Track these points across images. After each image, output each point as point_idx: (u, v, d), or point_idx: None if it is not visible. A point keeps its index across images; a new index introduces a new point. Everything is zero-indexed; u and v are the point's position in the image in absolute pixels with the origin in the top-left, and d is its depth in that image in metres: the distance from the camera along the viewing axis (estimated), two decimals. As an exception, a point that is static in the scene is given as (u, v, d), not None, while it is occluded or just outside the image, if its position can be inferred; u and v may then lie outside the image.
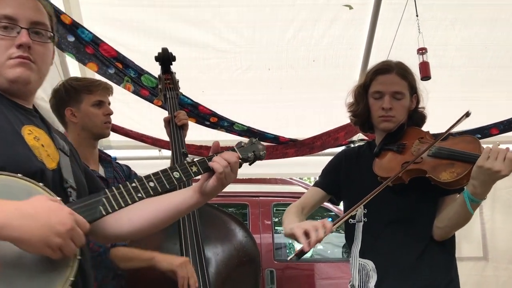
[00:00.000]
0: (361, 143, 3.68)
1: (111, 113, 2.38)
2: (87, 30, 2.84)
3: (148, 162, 3.94)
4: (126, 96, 3.18)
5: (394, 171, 1.95)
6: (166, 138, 2.47)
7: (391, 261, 1.96)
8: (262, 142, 1.64)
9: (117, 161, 2.58)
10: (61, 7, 2.93)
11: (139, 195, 1.34)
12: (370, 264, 2.00)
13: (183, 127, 2.37)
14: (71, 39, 2.80)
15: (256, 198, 5.11)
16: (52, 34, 1.42)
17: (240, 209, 5.21)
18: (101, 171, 2.35)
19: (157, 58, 2.48)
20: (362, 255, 2.04)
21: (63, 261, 1.14)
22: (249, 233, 2.28)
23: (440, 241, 1.98)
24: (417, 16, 3.01)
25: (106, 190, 1.32)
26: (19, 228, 1.06)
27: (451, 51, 3.50)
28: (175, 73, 2.50)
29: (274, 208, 5.13)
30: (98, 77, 2.93)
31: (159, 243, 2.14)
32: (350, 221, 2.10)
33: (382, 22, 3.30)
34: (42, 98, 3.03)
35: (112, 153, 3.33)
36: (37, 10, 1.39)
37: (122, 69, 2.96)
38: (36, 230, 1.06)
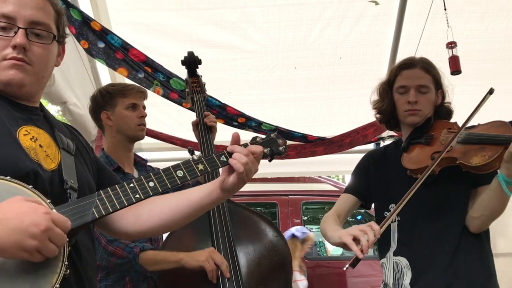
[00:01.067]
0: (390, 140, 3.66)
1: (145, 115, 2.43)
2: (117, 36, 2.90)
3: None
4: (155, 99, 3.24)
5: (423, 163, 1.93)
6: (195, 139, 2.50)
7: (426, 257, 1.94)
8: (282, 137, 1.54)
9: (149, 164, 2.63)
10: (91, 14, 3.00)
11: (137, 196, 1.27)
12: (403, 261, 1.98)
13: (212, 130, 2.39)
14: (101, 45, 2.87)
15: (286, 196, 5.11)
16: (55, 35, 1.34)
17: (269, 208, 5.23)
18: (136, 174, 2.41)
19: (183, 62, 2.51)
20: (395, 252, 2.02)
21: (46, 264, 1.08)
22: (280, 233, 2.29)
23: (476, 233, 1.94)
24: (445, 9, 2.96)
25: (101, 191, 1.25)
26: None
27: (481, 44, 3.43)
28: (201, 76, 2.53)
29: (304, 207, 5.13)
30: (128, 81, 2.99)
31: (191, 245, 2.17)
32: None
33: (409, 17, 3.27)
34: (75, 103, 3.14)
35: (143, 155, 3.39)
36: (38, 9, 1.30)
37: (152, 73, 3.01)
38: (7, 236, 1.00)
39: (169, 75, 3.07)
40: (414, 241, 1.97)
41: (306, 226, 5.04)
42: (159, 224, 1.43)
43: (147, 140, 3.73)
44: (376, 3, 3.23)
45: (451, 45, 2.90)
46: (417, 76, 2.06)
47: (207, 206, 1.44)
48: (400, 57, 3.37)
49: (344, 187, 2.32)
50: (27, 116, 1.32)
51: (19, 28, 1.27)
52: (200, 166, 1.35)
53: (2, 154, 1.17)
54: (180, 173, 1.33)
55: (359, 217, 5.38)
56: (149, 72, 3.01)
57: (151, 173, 1.32)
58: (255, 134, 3.71)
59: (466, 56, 3.01)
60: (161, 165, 2.68)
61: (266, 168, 4.36)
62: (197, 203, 1.41)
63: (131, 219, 1.43)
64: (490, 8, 3.26)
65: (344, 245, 1.80)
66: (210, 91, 3.32)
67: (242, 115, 3.44)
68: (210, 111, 3.33)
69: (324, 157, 3.97)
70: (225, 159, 1.38)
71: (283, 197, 5.09)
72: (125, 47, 2.93)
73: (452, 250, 1.92)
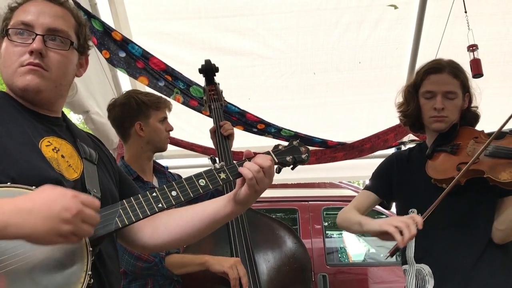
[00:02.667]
0: (412, 145, 3.62)
1: (171, 129, 2.47)
2: (137, 45, 2.94)
3: (199, 170, 4.01)
4: (175, 106, 3.26)
5: (449, 173, 1.89)
6: (215, 146, 2.52)
7: (449, 265, 1.91)
8: (304, 145, 1.52)
9: (169, 170, 2.65)
10: (111, 24, 3.05)
11: (159, 205, 1.26)
12: (426, 269, 1.96)
13: (229, 137, 2.41)
14: (122, 54, 2.91)
15: (306, 202, 5.08)
16: (72, 41, 1.35)
17: (289, 214, 5.21)
18: (155, 182, 2.43)
19: (200, 70, 2.53)
20: (418, 260, 2.00)
21: (71, 273, 1.10)
22: (299, 239, 2.28)
23: (500, 244, 1.91)
24: (465, 12, 2.93)
25: (124, 201, 1.25)
26: (23, 226, 1.01)
27: (503, 46, 3.38)
28: (219, 84, 2.55)
29: (324, 212, 5.09)
30: (148, 90, 3.03)
31: (210, 251, 2.18)
32: None
33: (429, 20, 3.24)
34: (97, 112, 3.18)
35: (163, 162, 3.43)
36: (57, 17, 1.33)
37: (172, 81, 3.05)
38: (40, 224, 1.02)
39: (189, 83, 3.10)
40: (437, 249, 1.95)
41: (326, 232, 5.01)
42: (174, 237, 1.43)
43: (168, 147, 3.77)
44: (395, 7, 3.21)
45: (472, 48, 2.86)
46: (444, 81, 2.01)
47: (222, 220, 1.41)
48: (420, 61, 3.34)
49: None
50: (49, 127, 1.33)
51: (36, 35, 1.29)
52: (222, 175, 1.34)
53: (26, 165, 1.19)
54: (202, 182, 1.31)
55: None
56: (169, 81, 3.04)
57: (173, 182, 1.31)
58: (275, 140, 3.76)
59: (488, 59, 2.97)
60: (182, 172, 2.73)
61: (286, 174, 4.33)
62: (212, 217, 1.40)
63: (148, 231, 1.43)
64: (511, 9, 3.21)
65: (383, 234, 1.77)
66: (230, 98, 3.35)
67: (262, 121, 3.45)
68: (230, 117, 3.35)
69: (344, 163, 3.94)
70: None
71: (303, 203, 5.06)
72: (146, 56, 2.97)
73: (475, 260, 1.89)
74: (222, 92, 2.54)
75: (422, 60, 3.29)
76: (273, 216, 5.08)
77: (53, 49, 1.31)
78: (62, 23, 1.34)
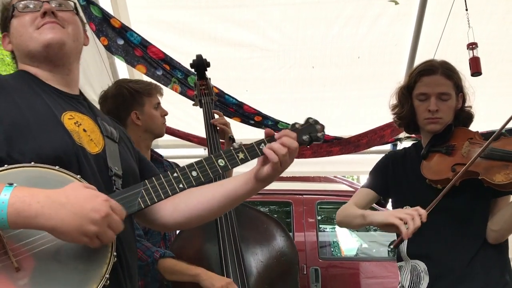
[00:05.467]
0: (408, 141, 3.63)
1: (166, 114, 2.47)
2: (136, 33, 2.92)
3: (193, 160, 4.01)
4: (172, 96, 3.26)
5: (444, 174, 1.91)
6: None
7: (444, 263, 1.93)
8: (319, 122, 1.50)
9: (170, 160, 2.65)
10: (111, 11, 3.03)
11: (181, 185, 1.27)
12: (421, 266, 1.97)
13: (224, 132, 2.41)
14: (121, 42, 2.90)
15: (300, 196, 5.09)
16: (74, 3, 1.42)
17: (283, 207, 5.22)
18: None
19: (192, 65, 2.52)
20: (413, 256, 2.02)
21: (100, 256, 1.11)
22: (287, 233, 2.28)
23: (495, 244, 1.93)
24: (466, 10, 2.92)
25: (146, 181, 1.26)
26: (53, 217, 1.03)
27: (502, 45, 3.38)
28: (210, 78, 2.54)
29: (318, 206, 5.10)
30: (145, 78, 3.01)
31: (199, 244, 2.18)
32: None
33: (429, 17, 3.23)
34: (94, 99, 3.15)
35: (159, 152, 3.42)
36: None
37: (170, 71, 3.03)
38: (70, 219, 1.04)
39: (187, 73, 3.08)
40: (432, 248, 1.96)
41: (320, 225, 5.02)
42: (196, 214, 1.43)
43: (164, 137, 3.75)
44: (396, 3, 3.20)
45: (472, 46, 2.86)
46: (437, 83, 2.01)
47: (243, 196, 1.42)
48: (419, 58, 3.34)
49: (359, 187, 2.31)
50: (70, 103, 1.36)
51: (43, 2, 1.34)
52: (241, 155, 1.34)
53: (47, 136, 1.21)
54: (221, 162, 1.32)
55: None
56: (167, 70, 3.03)
57: (193, 163, 1.31)
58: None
59: (487, 57, 2.97)
60: (178, 162, 2.72)
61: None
62: (233, 193, 1.40)
63: (169, 209, 1.43)
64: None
65: (388, 226, 1.78)
66: (227, 89, 3.34)
67: (259, 113, 3.45)
68: (227, 109, 3.35)
69: (340, 157, 3.95)
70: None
71: (297, 196, 5.07)
72: (144, 44, 2.95)
73: (469, 259, 1.91)
74: (213, 87, 2.54)
75: (421, 57, 3.31)
76: (267, 209, 5.14)
77: (61, 10, 1.36)
78: None
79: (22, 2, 1.35)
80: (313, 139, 1.45)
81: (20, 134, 1.19)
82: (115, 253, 1.14)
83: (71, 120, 1.30)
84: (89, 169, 1.25)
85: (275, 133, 1.37)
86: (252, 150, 1.35)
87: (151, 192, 1.25)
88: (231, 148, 1.35)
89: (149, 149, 2.46)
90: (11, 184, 1.05)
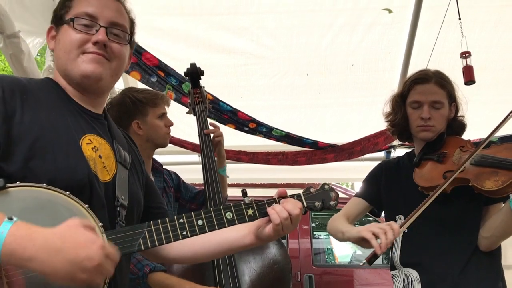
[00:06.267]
0: (401, 149, 3.65)
1: (171, 124, 2.45)
2: (130, 39, 2.92)
3: (188, 167, 4.01)
4: (167, 103, 3.26)
5: (435, 181, 1.92)
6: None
7: (436, 271, 1.93)
8: (335, 189, 1.48)
9: (165, 167, 2.63)
10: (134, 18, 3.02)
11: (184, 233, 1.27)
12: (414, 274, 1.97)
13: (218, 144, 2.43)
14: (115, 48, 2.89)
15: (294, 203, 5.09)
16: (130, 36, 1.42)
17: (278, 213, 5.21)
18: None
19: (186, 73, 2.52)
20: (406, 264, 2.02)
21: None
22: (280, 241, 2.29)
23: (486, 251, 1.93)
24: (459, 18, 2.94)
25: (151, 223, 1.25)
26: (46, 264, 1.02)
27: (495, 54, 3.41)
28: (204, 87, 2.55)
29: (312, 213, 5.10)
30: (140, 85, 3.01)
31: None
32: None
33: (423, 25, 3.25)
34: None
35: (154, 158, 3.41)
36: (118, 12, 1.40)
37: (164, 77, 3.04)
38: (62, 266, 1.02)
39: (181, 80, 3.09)
40: (425, 256, 1.97)
41: (314, 232, 5.02)
42: (188, 255, 1.44)
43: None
44: (390, 11, 3.22)
45: (465, 54, 2.87)
46: (431, 91, 2.04)
47: (238, 249, 1.43)
48: (412, 66, 3.36)
49: (354, 194, 2.32)
50: (91, 124, 1.36)
51: (100, 26, 1.34)
52: (250, 211, 1.33)
53: (64, 162, 1.21)
54: (229, 215, 1.32)
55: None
56: (161, 76, 3.03)
57: (201, 211, 1.31)
58: (265, 140, 3.74)
59: (480, 66, 2.99)
60: (172, 169, 2.72)
61: (275, 174, 4.36)
62: (229, 244, 1.42)
63: (175, 244, 1.41)
64: (504, 17, 3.24)
65: (362, 240, 1.79)
66: (222, 96, 3.34)
67: (253, 120, 3.45)
68: (222, 115, 3.35)
69: (334, 164, 3.96)
70: None
71: (292, 203, 5.08)
72: (139, 51, 2.95)
73: (461, 266, 1.91)
74: (206, 95, 2.55)
75: (415, 65, 3.33)
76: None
77: (114, 41, 1.36)
78: (122, 18, 1.40)
79: (81, 18, 1.34)
80: (325, 207, 1.43)
81: (36, 154, 1.18)
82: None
83: (89, 145, 1.30)
84: (98, 198, 1.25)
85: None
86: (262, 209, 1.34)
87: (154, 235, 1.24)
88: (242, 203, 1.34)
89: (150, 158, 2.44)
90: (10, 219, 1.03)
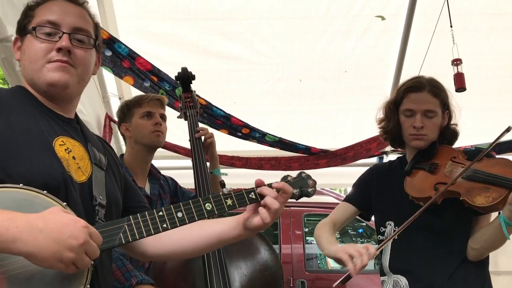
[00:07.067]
0: (394, 155, 3.66)
1: (159, 122, 2.44)
2: (124, 44, 2.92)
3: (181, 172, 3.99)
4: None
5: (426, 192, 1.92)
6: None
7: (425, 279, 1.94)
8: (312, 177, 1.51)
9: (162, 174, 2.62)
10: (99, 22, 3.02)
11: (164, 225, 1.27)
12: (403, 281, 1.98)
13: (208, 144, 2.43)
14: (108, 53, 2.90)
15: (287, 208, 5.09)
16: (95, 40, 1.42)
17: (271, 219, 5.21)
18: (147, 188, 2.41)
19: (177, 78, 2.54)
20: (395, 271, 2.02)
21: (70, 284, 1.10)
22: (271, 247, 2.28)
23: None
24: (451, 26, 2.97)
25: (130, 217, 1.26)
26: (31, 243, 1.02)
27: (486, 61, 3.44)
28: (195, 91, 2.56)
29: (305, 219, 5.11)
30: (134, 90, 3.00)
31: (181, 260, 2.16)
32: (379, 238, 2.09)
33: (415, 33, 3.28)
34: (80, 110, 3.14)
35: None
36: (80, 17, 1.39)
37: (157, 82, 3.04)
38: (47, 246, 1.03)
39: (174, 84, 3.09)
40: (413, 263, 1.97)
41: (307, 238, 5.02)
42: (177, 250, 1.44)
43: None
44: (383, 18, 3.24)
45: (457, 62, 2.90)
46: (424, 100, 2.02)
47: (228, 241, 1.42)
48: (405, 73, 3.39)
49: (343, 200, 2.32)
50: (63, 127, 1.36)
51: (63, 33, 1.34)
52: (229, 201, 1.34)
53: (37, 162, 1.21)
54: (208, 206, 1.32)
55: (360, 230, 5.37)
56: (155, 81, 3.03)
57: (180, 204, 1.31)
58: (259, 145, 3.74)
59: (470, 73, 3.01)
60: (164, 173, 2.71)
61: (268, 179, 4.35)
62: (218, 237, 1.41)
63: (152, 240, 1.42)
64: (496, 26, 3.27)
65: (339, 260, 1.81)
66: (215, 101, 3.35)
67: (246, 126, 3.46)
68: (215, 121, 3.35)
69: (326, 170, 3.97)
70: (254, 197, 1.36)
71: (284, 208, 5.06)
72: (132, 55, 2.95)
73: (450, 274, 1.92)
74: (197, 99, 2.55)
75: (407, 71, 3.35)
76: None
77: (78, 47, 1.36)
78: (85, 23, 1.40)
79: (43, 27, 1.34)
80: (303, 194, 1.46)
81: (10, 157, 1.19)
82: (88, 286, 1.13)
83: (62, 147, 1.30)
84: (74, 198, 1.25)
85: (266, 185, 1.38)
86: (241, 198, 1.35)
87: (134, 228, 1.24)
88: (220, 193, 1.34)
89: (147, 162, 2.45)
90: None
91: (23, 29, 1.38)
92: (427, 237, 1.96)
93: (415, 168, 2.05)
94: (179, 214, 1.29)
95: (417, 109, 2.02)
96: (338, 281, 1.71)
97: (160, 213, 1.28)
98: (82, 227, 1.07)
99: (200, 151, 2.37)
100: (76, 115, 1.47)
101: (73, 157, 1.32)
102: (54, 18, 1.35)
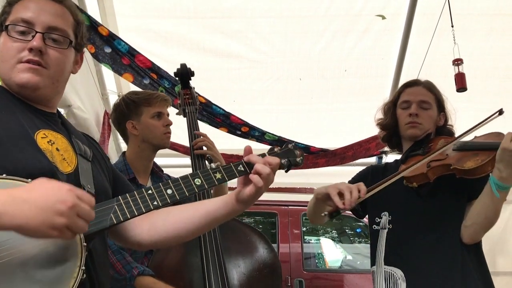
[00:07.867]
0: (391, 155, 3.65)
1: (170, 123, 2.42)
2: (124, 41, 2.92)
3: (180, 170, 3.98)
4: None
5: (419, 170, 1.93)
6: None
7: (421, 269, 1.93)
8: (299, 148, 1.51)
9: (165, 173, 2.61)
10: (98, 19, 3.02)
11: (155, 203, 1.25)
12: (398, 273, 1.97)
13: (209, 149, 2.38)
14: (108, 50, 2.89)
15: (286, 207, 5.09)
16: (74, 39, 1.37)
17: (269, 217, 5.21)
18: (149, 185, 2.39)
19: (176, 74, 2.51)
20: (388, 262, 2.01)
21: (67, 271, 1.08)
22: (270, 245, 2.27)
23: (470, 245, 1.93)
24: (452, 26, 2.97)
25: (120, 197, 1.24)
26: (17, 215, 0.99)
27: (486, 61, 3.44)
28: (194, 88, 2.53)
29: (303, 218, 5.10)
30: (133, 87, 2.99)
31: (181, 255, 2.16)
32: (374, 227, 2.09)
33: (416, 32, 3.29)
34: (79, 107, 3.14)
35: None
36: (57, 16, 1.34)
37: (157, 80, 3.03)
38: (35, 215, 0.99)
39: (174, 82, 3.08)
40: (409, 252, 1.97)
41: (305, 237, 5.02)
42: (173, 234, 1.41)
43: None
44: (383, 18, 3.24)
45: (458, 62, 2.90)
46: (420, 93, 2.13)
47: (223, 217, 1.40)
48: (405, 72, 3.39)
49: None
50: (45, 121, 1.34)
51: (36, 32, 1.30)
52: (218, 175, 1.34)
53: (20, 155, 1.19)
54: (198, 181, 1.31)
55: (358, 230, 5.37)
56: (154, 79, 3.02)
57: (169, 181, 1.30)
58: (258, 144, 3.73)
59: (471, 73, 3.01)
60: (168, 172, 2.70)
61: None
62: (212, 214, 1.39)
63: (145, 227, 1.41)
64: (496, 26, 3.27)
65: (327, 197, 1.80)
66: (215, 99, 3.34)
67: (246, 124, 3.45)
68: (214, 119, 3.34)
69: (325, 169, 3.97)
70: (242, 169, 1.35)
71: (283, 207, 5.06)
72: (132, 53, 2.94)
73: (447, 265, 1.91)
74: (197, 96, 2.53)
75: (407, 71, 3.35)
76: (253, 220, 5.12)
77: (52, 47, 1.32)
78: (62, 22, 1.35)
79: (16, 25, 1.31)
80: (292, 164, 1.46)
81: None
82: (83, 268, 1.10)
83: (44, 139, 1.27)
84: None
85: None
86: (229, 171, 1.35)
87: (124, 207, 1.22)
88: (209, 168, 1.34)
89: (151, 161, 2.42)
90: None
91: (0, 25, 1.34)
92: (421, 224, 1.97)
93: (410, 156, 2.08)
94: (169, 191, 1.27)
95: (412, 99, 2.11)
96: (327, 212, 1.74)
97: (150, 191, 1.26)
98: (67, 190, 1.04)
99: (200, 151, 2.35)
100: (58, 110, 1.44)
101: (57, 149, 1.29)
102: (29, 16, 1.31)
